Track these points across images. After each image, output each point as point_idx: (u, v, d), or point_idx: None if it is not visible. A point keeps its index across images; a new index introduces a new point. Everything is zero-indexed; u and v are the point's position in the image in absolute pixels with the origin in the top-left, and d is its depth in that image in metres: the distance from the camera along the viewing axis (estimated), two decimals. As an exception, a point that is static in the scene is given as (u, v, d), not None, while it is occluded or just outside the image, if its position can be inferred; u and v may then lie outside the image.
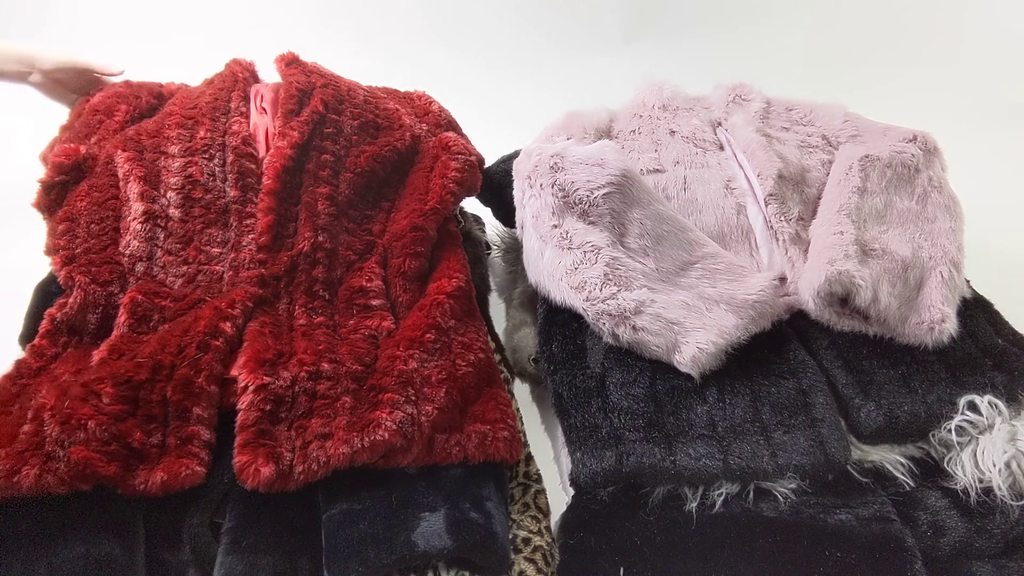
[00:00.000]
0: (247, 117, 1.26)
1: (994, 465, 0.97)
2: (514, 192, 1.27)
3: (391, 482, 0.94)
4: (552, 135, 1.36)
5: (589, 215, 1.14)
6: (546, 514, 1.02)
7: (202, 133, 1.20)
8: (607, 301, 1.08)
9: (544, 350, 1.16)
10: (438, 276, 1.15)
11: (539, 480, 1.06)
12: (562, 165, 1.16)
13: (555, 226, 1.15)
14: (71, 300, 1.06)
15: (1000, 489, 0.96)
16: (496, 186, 1.39)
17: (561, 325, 1.16)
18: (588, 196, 1.13)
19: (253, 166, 1.19)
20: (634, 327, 1.06)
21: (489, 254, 1.52)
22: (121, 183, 1.16)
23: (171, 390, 0.92)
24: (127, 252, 1.11)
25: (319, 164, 1.21)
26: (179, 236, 1.13)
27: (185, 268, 1.12)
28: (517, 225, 1.27)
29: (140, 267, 1.10)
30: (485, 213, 1.54)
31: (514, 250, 1.47)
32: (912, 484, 1.01)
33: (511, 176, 1.29)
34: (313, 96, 1.27)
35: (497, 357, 1.22)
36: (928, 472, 1.03)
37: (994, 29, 2.31)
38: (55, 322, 1.04)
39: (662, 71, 1.50)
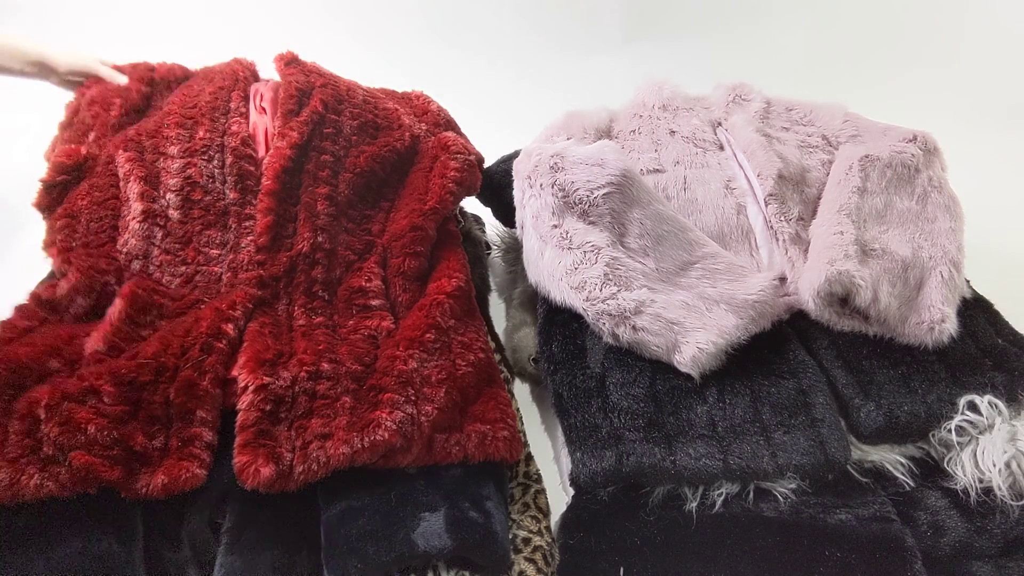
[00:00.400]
0: (247, 117, 1.26)
1: (994, 465, 0.97)
2: (514, 192, 1.27)
3: (391, 481, 0.94)
4: (552, 135, 1.36)
5: (589, 215, 1.14)
6: (546, 514, 1.02)
7: (201, 133, 1.20)
8: (607, 301, 1.08)
9: (544, 350, 1.16)
10: (438, 276, 1.15)
11: (539, 480, 1.06)
12: (562, 165, 1.16)
13: (555, 226, 1.15)
14: (64, 280, 1.06)
15: (1000, 489, 0.96)
16: (496, 186, 1.39)
17: (561, 325, 1.16)
18: (588, 196, 1.13)
19: (252, 168, 1.19)
20: (634, 327, 1.06)
21: (489, 254, 1.52)
22: (121, 183, 1.16)
23: (174, 392, 0.92)
24: (124, 250, 1.11)
25: (318, 164, 1.21)
26: (178, 236, 1.13)
27: (184, 268, 1.12)
28: (517, 225, 1.27)
29: (136, 264, 1.10)
30: (485, 213, 1.54)
31: (514, 250, 1.47)
32: (912, 484, 1.01)
33: (511, 176, 1.29)
34: (312, 96, 1.27)
35: (497, 357, 1.22)
36: (928, 472, 1.03)
37: (994, 29, 2.31)
38: (39, 301, 1.04)
39: (662, 71, 1.50)
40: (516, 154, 1.31)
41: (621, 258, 1.11)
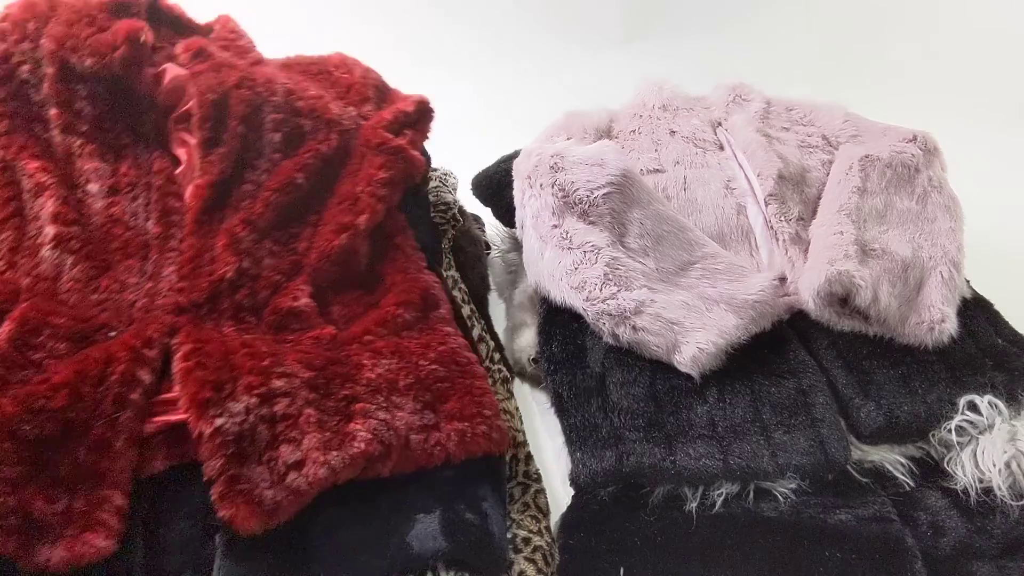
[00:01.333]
0: (169, 150, 1.17)
1: (994, 465, 0.97)
2: (514, 192, 1.27)
3: (385, 484, 0.92)
4: (552, 135, 1.36)
5: (589, 215, 1.14)
6: (546, 514, 1.02)
7: (124, 169, 1.12)
8: (607, 301, 1.08)
9: (544, 350, 1.16)
10: (386, 290, 1.10)
11: (539, 480, 1.06)
12: (562, 165, 1.16)
13: (555, 226, 1.15)
14: None
15: (1000, 489, 0.96)
16: (496, 186, 1.39)
17: (561, 325, 1.16)
18: (588, 196, 1.13)
19: (178, 204, 1.12)
20: (634, 327, 1.06)
21: (489, 254, 1.52)
22: (27, 195, 1.06)
23: (85, 452, 0.84)
24: (32, 273, 1.01)
25: (240, 196, 1.13)
26: (93, 265, 1.04)
27: (95, 297, 1.03)
28: (517, 225, 1.27)
29: (42, 286, 1.01)
30: (485, 213, 1.54)
31: (514, 250, 1.47)
32: (912, 484, 1.01)
33: (511, 176, 1.29)
34: (230, 106, 1.13)
35: (497, 356, 1.22)
36: (928, 472, 1.03)
37: (996, 29, 2.31)
38: None
39: (662, 71, 1.50)
40: (516, 154, 1.31)
41: (621, 258, 1.11)
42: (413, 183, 1.21)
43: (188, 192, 1.12)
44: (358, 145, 1.18)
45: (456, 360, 1.02)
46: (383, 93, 1.31)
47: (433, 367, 0.99)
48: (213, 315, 1.03)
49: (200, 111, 1.12)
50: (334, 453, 0.86)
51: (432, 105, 1.29)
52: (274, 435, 0.86)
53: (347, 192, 1.14)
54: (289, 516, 0.85)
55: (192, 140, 1.14)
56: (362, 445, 0.87)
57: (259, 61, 1.29)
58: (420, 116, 1.26)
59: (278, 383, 0.89)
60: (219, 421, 0.85)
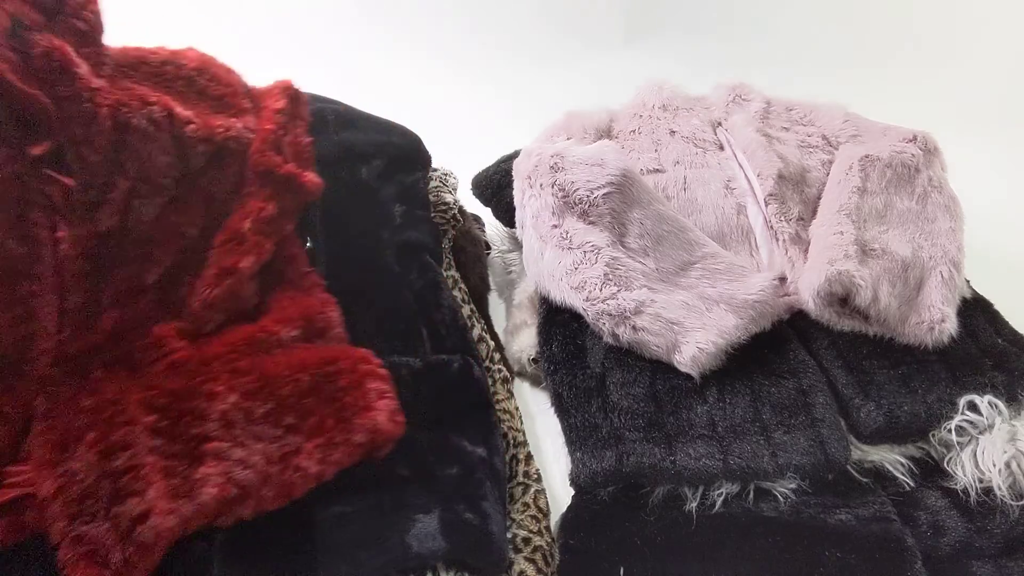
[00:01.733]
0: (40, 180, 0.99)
1: (994, 465, 0.97)
2: (514, 192, 1.27)
3: (384, 484, 0.92)
4: (552, 135, 1.37)
5: (589, 215, 1.14)
6: (546, 514, 1.02)
7: None
8: (607, 301, 1.08)
9: (544, 350, 1.16)
10: (270, 313, 1.02)
11: (539, 480, 1.06)
12: (562, 165, 1.16)
13: (555, 226, 1.15)
14: None
15: (1000, 489, 0.96)
16: (496, 186, 1.39)
17: (561, 325, 1.16)
18: (588, 196, 1.13)
19: (46, 224, 0.96)
20: (634, 327, 1.06)
21: (489, 254, 1.52)
22: None
23: None
24: None
25: (129, 247, 1.02)
26: None
27: None
28: (517, 225, 1.27)
29: None
30: (485, 213, 1.54)
31: (514, 250, 1.47)
32: (912, 484, 1.01)
33: (511, 176, 1.29)
34: (120, 163, 0.99)
35: (497, 356, 1.22)
36: (928, 472, 1.03)
37: (997, 29, 2.31)
38: None
39: (662, 71, 1.50)
40: (516, 154, 1.32)
41: (621, 258, 1.11)
42: (308, 204, 1.11)
43: (68, 243, 0.96)
44: (247, 169, 1.07)
45: (325, 361, 0.94)
46: (253, 97, 1.17)
47: (297, 377, 0.91)
48: (86, 367, 0.96)
49: (88, 174, 0.96)
50: (182, 501, 0.81)
51: (295, 83, 1.16)
52: (117, 489, 0.81)
53: (234, 228, 1.04)
54: (146, 573, 0.79)
55: (76, 196, 0.96)
56: (214, 490, 0.82)
57: (118, 68, 1.05)
58: (294, 104, 1.16)
59: (117, 435, 0.84)
60: (61, 482, 0.80)
